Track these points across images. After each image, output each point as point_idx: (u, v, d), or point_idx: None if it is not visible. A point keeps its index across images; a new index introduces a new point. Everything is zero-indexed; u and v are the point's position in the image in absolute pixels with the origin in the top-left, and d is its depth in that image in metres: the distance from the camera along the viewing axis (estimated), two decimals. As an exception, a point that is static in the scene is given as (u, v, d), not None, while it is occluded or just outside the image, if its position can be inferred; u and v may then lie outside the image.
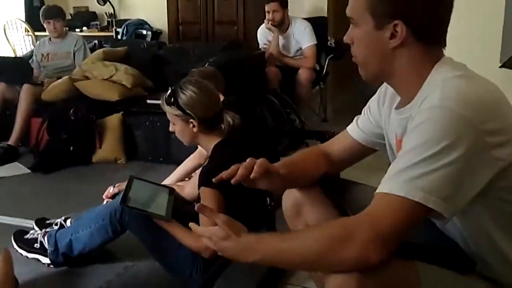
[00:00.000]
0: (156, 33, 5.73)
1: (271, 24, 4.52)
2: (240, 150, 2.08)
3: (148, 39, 5.48)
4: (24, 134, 4.18)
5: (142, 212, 2.10)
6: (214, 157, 2.09)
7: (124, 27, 5.72)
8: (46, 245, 2.35)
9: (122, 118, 4.02)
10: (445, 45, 1.25)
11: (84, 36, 5.05)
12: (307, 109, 4.86)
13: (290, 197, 1.56)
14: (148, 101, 4.08)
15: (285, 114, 4.15)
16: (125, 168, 3.85)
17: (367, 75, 1.31)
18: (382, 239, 1.07)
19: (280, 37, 4.60)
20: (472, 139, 1.07)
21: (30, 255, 2.38)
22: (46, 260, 2.35)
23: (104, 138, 3.96)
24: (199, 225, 1.99)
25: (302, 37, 4.57)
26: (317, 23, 4.75)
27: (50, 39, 4.74)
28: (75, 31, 5.68)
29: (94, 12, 6.46)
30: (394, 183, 1.10)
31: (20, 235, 2.48)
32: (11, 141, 4.11)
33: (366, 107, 1.53)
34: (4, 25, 6.06)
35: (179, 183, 2.57)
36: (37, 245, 2.38)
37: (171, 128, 2.23)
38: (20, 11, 6.21)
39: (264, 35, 4.71)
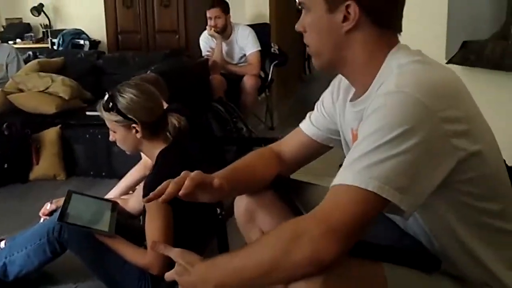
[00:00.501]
0: (94, 43, 5.55)
1: (214, 30, 4.44)
2: (187, 157, 1.98)
3: (86, 49, 5.30)
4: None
5: (83, 228, 1.97)
6: (159, 166, 1.96)
7: (60, 37, 5.50)
8: (-22, 270, 2.16)
9: (60, 132, 3.82)
10: (401, 31, 1.20)
11: (18, 49, 4.83)
12: (253, 117, 4.80)
13: (242, 203, 1.47)
14: (88, 113, 3.91)
15: (232, 123, 4.07)
16: (65, 184, 3.64)
17: (321, 64, 1.25)
18: (336, 233, 0.99)
19: (223, 44, 4.53)
20: (430, 126, 1.01)
21: (-40, 282, 2.19)
22: (-22, 286, 2.16)
23: (42, 153, 3.76)
24: (145, 239, 1.92)
25: (246, 44, 4.52)
26: (260, 30, 4.70)
27: (-20, 52, 4.50)
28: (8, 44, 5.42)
29: (28, 24, 6.21)
30: (348, 173, 1.03)
31: None
32: None
33: (319, 101, 1.46)
34: None
35: (122, 197, 2.44)
36: (-32, 270, 2.19)
37: (111, 137, 2.09)
38: None
39: (206, 42, 4.62)
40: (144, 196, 1.86)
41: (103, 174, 3.76)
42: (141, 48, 5.42)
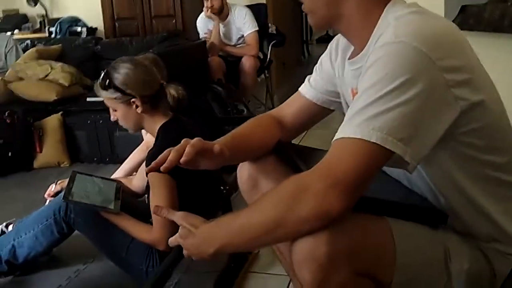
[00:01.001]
0: (91, 30, 5.53)
1: (211, 12, 4.42)
2: (188, 131, 1.97)
3: (83, 36, 5.28)
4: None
5: (88, 206, 1.97)
6: (160, 139, 1.96)
7: (57, 26, 5.48)
8: (-13, 254, 2.18)
9: (62, 119, 3.83)
10: None
11: (16, 39, 4.82)
12: (253, 99, 4.79)
13: (245, 171, 1.46)
14: (88, 99, 3.91)
15: (232, 104, 4.06)
16: (69, 171, 3.62)
17: (317, 22, 1.24)
18: (341, 186, 0.98)
19: (220, 25, 4.50)
20: (431, 74, 1.00)
21: (-31, 266, 2.21)
22: (-12, 270, 2.18)
23: (44, 141, 3.77)
24: (151, 216, 1.93)
25: (243, 24, 4.49)
26: (257, 10, 4.68)
27: (-23, 42, 4.50)
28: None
29: (25, 15, 6.17)
30: (350, 126, 1.02)
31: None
32: None
33: (317, 64, 1.45)
34: None
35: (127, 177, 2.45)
36: (-24, 255, 2.21)
37: (112, 117, 2.09)
38: None
39: (204, 24, 4.60)
40: (147, 171, 1.87)
41: (107, 159, 3.78)
42: (138, 34, 5.40)
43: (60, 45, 4.62)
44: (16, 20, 6.05)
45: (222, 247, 1.10)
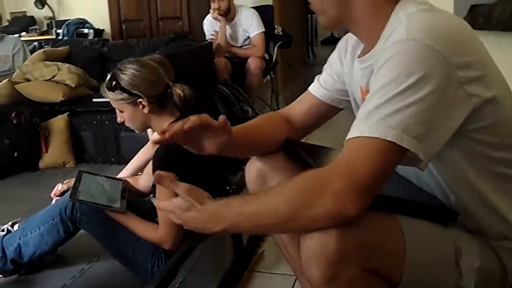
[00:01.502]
0: (99, 32, 5.53)
1: (217, 13, 4.42)
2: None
3: (90, 37, 5.29)
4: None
5: (94, 205, 1.97)
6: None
7: (64, 27, 5.50)
8: (-8, 253, 2.18)
9: (68, 119, 3.84)
10: None
11: (24, 41, 4.82)
12: (258, 100, 4.78)
13: (253, 168, 1.45)
14: (94, 100, 3.92)
15: (238, 105, 4.06)
16: (75, 171, 3.63)
17: (327, 22, 1.23)
18: (358, 186, 0.97)
19: (227, 26, 4.50)
20: (444, 72, 1.00)
21: (-25, 265, 2.20)
22: (-7, 269, 2.18)
23: (50, 141, 3.78)
24: (157, 216, 1.93)
25: (250, 26, 4.49)
26: (263, 12, 4.67)
27: (-15, 43, 4.52)
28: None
29: (32, 17, 6.19)
30: (365, 125, 1.01)
31: (-38, 244, 2.30)
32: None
33: (326, 64, 1.45)
34: None
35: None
36: (-18, 254, 2.21)
37: (119, 119, 2.08)
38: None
39: (210, 25, 4.60)
40: (154, 169, 1.86)
41: (112, 160, 3.79)
42: (145, 35, 5.41)
43: (67, 46, 4.63)
44: (24, 23, 6.07)
45: (230, 227, 1.09)
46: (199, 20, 4.96)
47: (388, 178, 1.02)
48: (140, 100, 1.95)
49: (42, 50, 4.49)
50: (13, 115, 3.66)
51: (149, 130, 2.66)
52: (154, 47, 4.21)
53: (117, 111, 2.05)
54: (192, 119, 1.18)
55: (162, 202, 1.21)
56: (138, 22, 5.48)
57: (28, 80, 4.06)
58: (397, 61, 1.02)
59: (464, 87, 1.02)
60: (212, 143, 1.26)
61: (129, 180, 2.27)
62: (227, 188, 2.22)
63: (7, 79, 4.08)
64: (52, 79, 3.99)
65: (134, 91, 1.94)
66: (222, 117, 1.22)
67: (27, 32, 5.90)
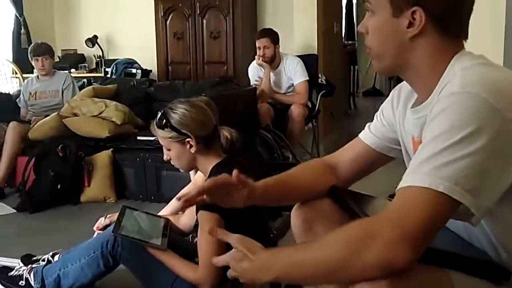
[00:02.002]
0: (146, 72, 5.69)
1: (262, 60, 4.50)
2: (241, 169, 1.99)
3: (138, 77, 5.43)
4: (10, 174, 4.06)
5: (136, 241, 1.99)
6: (213, 178, 1.98)
7: (113, 66, 5.68)
8: (32, 282, 2.21)
9: (112, 155, 3.92)
10: (467, 38, 1.18)
11: (73, 77, 4.99)
12: (299, 147, 4.79)
13: (300, 213, 1.45)
14: (139, 138, 4.00)
15: (279, 150, 4.07)
16: (115, 207, 3.71)
17: (382, 68, 1.25)
18: (408, 236, 0.96)
19: (271, 73, 4.58)
20: (498, 126, 0.99)
21: (15, 294, 2.24)
22: (32, 298, 2.20)
23: (93, 176, 3.86)
24: (197, 256, 1.93)
25: (294, 74, 4.55)
26: (308, 60, 4.73)
27: (38, 77, 4.69)
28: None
29: (83, 54, 6.43)
30: (417, 174, 1.01)
31: (3, 272, 2.34)
32: (-4, 181, 3.99)
33: (378, 111, 1.46)
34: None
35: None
36: (22, 283, 2.24)
37: (166, 157, 2.11)
38: (7, 52, 6.16)
39: (255, 71, 4.68)
40: (197, 209, 1.88)
41: (152, 198, 3.83)
42: (190, 78, 5.53)
43: (115, 85, 4.77)
44: (74, 60, 6.30)
45: (279, 277, 1.10)
46: (244, 65, 5.07)
47: (438, 230, 1.01)
48: (188, 139, 1.98)
49: (91, 86, 4.63)
50: (59, 147, 3.77)
51: (191, 172, 2.70)
52: (200, 89, 4.29)
53: (164, 149, 2.08)
54: (206, 184, 1.26)
55: (219, 258, 1.22)
56: (184, 65, 5.62)
57: (76, 114, 4.18)
58: (451, 113, 1.02)
59: None
60: (237, 197, 1.31)
61: (170, 218, 2.29)
62: (270, 231, 2.22)
63: (56, 113, 4.22)
64: (99, 115, 4.10)
65: (183, 130, 1.98)
66: (235, 173, 1.28)
67: (76, 69, 6.11)
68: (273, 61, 4.56)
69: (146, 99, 4.77)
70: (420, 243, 0.98)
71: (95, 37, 6.20)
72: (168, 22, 5.58)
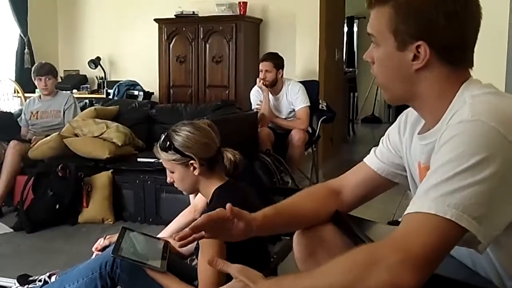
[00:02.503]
0: (148, 94, 5.71)
1: (263, 83, 4.53)
2: (241, 196, 1.99)
3: (140, 99, 5.45)
4: (8, 193, 4.05)
5: (136, 263, 1.97)
6: (215, 201, 1.97)
7: (116, 88, 5.70)
8: (29, 303, 2.19)
9: (112, 176, 3.92)
10: (472, 66, 1.19)
11: (75, 98, 5.01)
12: (298, 172, 4.79)
13: (302, 239, 1.45)
14: (139, 159, 4.00)
15: (278, 174, 4.07)
16: (113, 229, 3.69)
17: (390, 98, 1.26)
18: (413, 262, 0.95)
19: (272, 97, 4.60)
20: (507, 155, 1.00)
21: (11, 314, 2.21)
22: (28, 319, 2.18)
23: (92, 196, 3.85)
24: (196, 279, 1.91)
25: (296, 99, 4.57)
26: (309, 86, 4.75)
27: (40, 97, 4.71)
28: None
29: (85, 75, 6.47)
30: (424, 201, 1.01)
31: (0, 292, 2.32)
32: (-6, 200, 3.98)
33: (384, 136, 1.46)
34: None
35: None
36: (18, 303, 2.22)
37: (169, 179, 2.11)
38: (10, 71, 6.19)
39: (257, 95, 4.70)
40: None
41: (150, 220, 3.82)
42: (191, 101, 5.55)
43: (117, 106, 4.79)
44: (76, 80, 6.33)
45: None
46: (245, 90, 5.10)
47: (444, 256, 1.00)
48: (192, 162, 1.98)
49: (93, 107, 4.65)
50: (59, 167, 3.76)
51: (191, 195, 2.69)
52: (201, 113, 4.31)
53: (168, 172, 2.08)
54: (200, 221, 1.25)
55: None
56: (186, 88, 5.63)
57: (76, 135, 4.19)
58: (460, 141, 1.02)
59: None
60: (234, 231, 1.31)
61: (170, 240, 2.27)
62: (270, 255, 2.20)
63: (56, 133, 4.22)
64: (100, 136, 4.10)
65: (186, 153, 1.98)
66: (228, 206, 1.27)
67: (78, 90, 6.15)
68: (275, 86, 4.58)
69: (147, 121, 4.79)
70: (425, 268, 0.97)
71: (98, 58, 6.25)
72: (171, 45, 5.61)
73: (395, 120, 1.45)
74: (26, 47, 6.18)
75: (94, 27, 6.52)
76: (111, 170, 3.95)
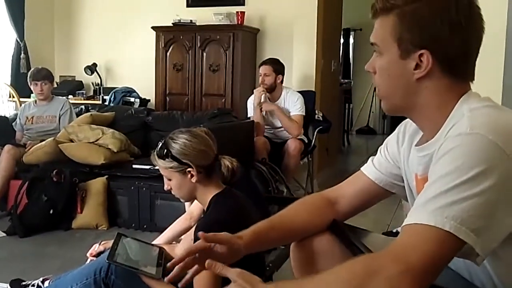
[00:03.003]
0: (144, 101, 5.71)
1: (262, 86, 4.54)
2: (239, 202, 1.99)
3: (136, 106, 5.45)
4: (2, 197, 4.04)
5: (131, 269, 1.96)
6: (211, 209, 1.97)
7: (112, 94, 5.69)
8: (22, 308, 2.17)
9: (107, 182, 3.91)
10: (473, 79, 1.20)
11: (71, 103, 5.00)
12: (292, 182, 4.79)
13: (300, 248, 1.45)
14: (134, 166, 4.00)
15: (274, 184, 4.07)
16: (107, 235, 3.68)
17: (389, 108, 1.26)
18: (413, 274, 0.96)
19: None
20: (505, 168, 1.01)
21: (3, 319, 2.20)
22: (20, 324, 2.16)
23: (86, 202, 3.85)
24: (192, 287, 1.90)
25: (293, 106, 4.57)
26: (306, 96, 4.76)
27: (35, 102, 4.70)
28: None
29: (81, 81, 6.46)
30: (423, 213, 1.02)
31: (-8, 296, 2.30)
32: (-13, 204, 3.96)
33: (382, 146, 1.46)
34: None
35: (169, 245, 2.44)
36: (11, 307, 2.20)
37: (166, 187, 2.10)
38: (6, 76, 6.18)
39: (252, 103, 4.70)
40: (195, 240, 1.86)
41: (145, 226, 3.81)
42: (187, 109, 5.55)
43: (113, 112, 4.79)
44: (72, 86, 6.32)
45: None
46: (242, 99, 5.11)
47: (443, 268, 1.01)
48: (189, 169, 1.98)
49: (89, 113, 4.64)
50: (54, 173, 3.75)
51: (186, 204, 2.68)
52: (198, 120, 4.32)
53: (165, 179, 2.07)
54: (183, 256, 1.28)
55: None
56: (182, 96, 5.63)
57: (72, 140, 4.18)
58: (458, 153, 1.03)
59: None
60: (222, 256, 1.31)
61: (165, 247, 2.27)
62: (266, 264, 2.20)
63: (52, 138, 4.22)
64: (95, 142, 4.10)
65: (184, 160, 1.98)
66: (200, 234, 1.28)
67: (74, 96, 6.13)
68: (273, 91, 4.59)
69: (143, 128, 4.78)
70: (424, 280, 0.97)
71: (95, 65, 6.24)
72: (168, 53, 5.62)
73: (389, 131, 1.46)
74: (22, 52, 6.16)
75: (91, 33, 6.52)
76: (106, 176, 3.95)
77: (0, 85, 5.96)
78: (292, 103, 4.58)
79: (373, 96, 9.73)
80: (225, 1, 5.68)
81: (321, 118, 4.90)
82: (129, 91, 5.73)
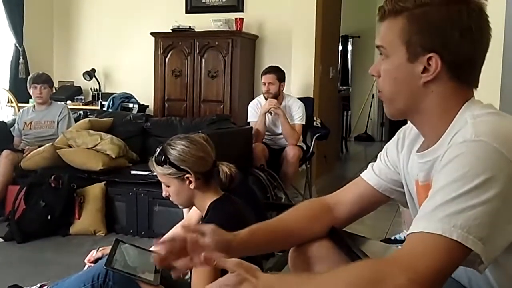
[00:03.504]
0: (143, 107, 5.71)
1: (267, 95, 4.56)
2: (238, 208, 1.99)
3: (135, 112, 5.45)
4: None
5: (129, 275, 1.95)
6: (210, 215, 1.97)
7: (110, 100, 5.69)
8: (19, 314, 2.16)
9: (105, 188, 3.90)
10: (477, 86, 1.20)
11: (70, 109, 5.00)
12: (291, 188, 4.79)
13: (298, 254, 1.44)
14: (132, 172, 3.99)
15: (272, 190, 4.07)
16: (105, 241, 3.67)
17: (393, 112, 1.25)
18: (420, 282, 0.95)
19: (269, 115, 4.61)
20: (509, 175, 1.00)
21: (0, 325, 2.19)
22: (17, 330, 2.16)
23: (84, 208, 3.83)
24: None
25: (295, 114, 4.60)
26: (304, 103, 4.77)
27: (34, 107, 4.70)
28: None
29: (79, 87, 6.47)
30: (429, 221, 1.01)
31: (-10, 302, 2.29)
32: (-16, 210, 3.95)
33: (382, 152, 1.45)
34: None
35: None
36: (8, 314, 2.19)
37: (164, 193, 2.10)
38: (4, 81, 6.18)
39: (255, 108, 4.71)
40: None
41: (143, 233, 3.79)
42: (186, 115, 5.55)
43: (111, 118, 4.78)
44: (70, 92, 6.33)
45: None
46: (240, 105, 5.12)
47: (449, 276, 1.00)
48: (187, 175, 1.98)
49: (87, 119, 4.63)
50: (52, 178, 3.74)
51: (185, 210, 2.68)
52: (196, 126, 4.31)
53: (163, 186, 2.07)
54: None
55: (212, 284, 1.15)
56: (180, 102, 5.64)
57: (70, 146, 4.17)
58: (464, 160, 1.03)
59: None
60: (213, 248, 1.27)
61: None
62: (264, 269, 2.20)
63: (50, 143, 4.21)
64: (94, 148, 4.09)
65: (182, 167, 1.97)
66: (183, 227, 1.30)
67: (72, 101, 6.14)
68: (276, 99, 4.60)
69: (141, 133, 4.77)
70: (430, 287, 0.97)
71: (93, 70, 6.25)
72: (167, 59, 5.63)
73: (388, 138, 1.45)
74: (21, 57, 6.18)
75: (90, 38, 6.54)
76: (104, 182, 3.93)
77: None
78: (294, 110, 4.61)
79: (371, 103, 9.75)
80: (224, 8, 5.71)
81: (319, 125, 4.91)
82: (128, 97, 5.73)
